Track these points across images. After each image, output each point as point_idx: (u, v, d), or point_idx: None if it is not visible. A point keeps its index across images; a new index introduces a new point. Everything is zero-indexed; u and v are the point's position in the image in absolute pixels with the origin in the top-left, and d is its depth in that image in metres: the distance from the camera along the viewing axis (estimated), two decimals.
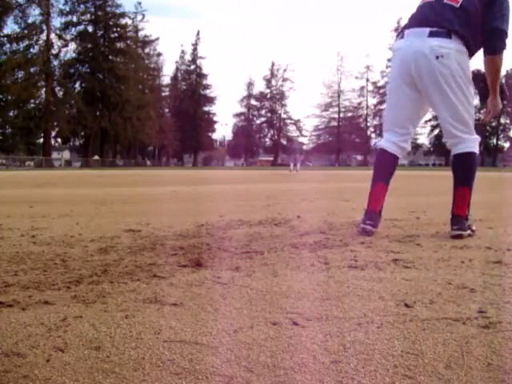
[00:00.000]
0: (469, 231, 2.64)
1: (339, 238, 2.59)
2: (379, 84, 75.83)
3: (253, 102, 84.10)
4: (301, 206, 4.89)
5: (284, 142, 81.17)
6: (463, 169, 2.68)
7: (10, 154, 43.94)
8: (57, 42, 51.17)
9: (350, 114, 79.50)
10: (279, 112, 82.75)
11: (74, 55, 53.38)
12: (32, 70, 46.35)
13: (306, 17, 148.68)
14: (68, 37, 52.66)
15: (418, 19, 2.66)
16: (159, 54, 69.65)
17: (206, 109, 78.53)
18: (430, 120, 75.32)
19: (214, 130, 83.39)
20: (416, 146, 77.71)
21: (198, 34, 77.86)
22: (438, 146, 75.56)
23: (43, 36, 48.39)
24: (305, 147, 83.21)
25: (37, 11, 49.25)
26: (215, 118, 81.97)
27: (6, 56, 44.12)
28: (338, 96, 78.05)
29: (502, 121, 74.14)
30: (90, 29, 54.84)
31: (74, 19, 53.50)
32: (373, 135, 77.68)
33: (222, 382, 0.91)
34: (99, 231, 2.90)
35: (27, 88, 43.32)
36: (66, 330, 1.17)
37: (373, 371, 0.95)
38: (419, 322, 1.22)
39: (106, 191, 8.01)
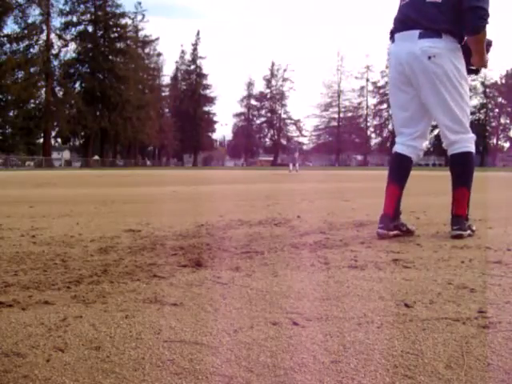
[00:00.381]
0: (469, 231, 2.63)
1: (339, 238, 2.59)
2: (379, 84, 75.91)
3: (253, 102, 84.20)
4: (301, 206, 4.89)
5: (284, 141, 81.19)
6: (461, 169, 2.66)
7: (10, 154, 43.93)
8: (57, 42, 51.20)
9: (350, 114, 79.56)
10: (279, 112, 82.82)
11: (74, 55, 53.40)
12: (32, 70, 46.34)
13: (306, 17, 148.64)
14: (68, 37, 52.68)
15: (405, 21, 2.62)
16: (159, 54, 69.68)
17: (206, 109, 78.55)
18: None
19: (214, 130, 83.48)
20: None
21: (198, 34, 77.90)
22: (438, 146, 75.52)
23: (43, 36, 48.41)
24: (305, 147, 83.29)
25: (37, 11, 49.22)
26: (215, 118, 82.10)
27: (5, 56, 44.10)
28: (338, 96, 78.09)
29: (502, 121, 74.15)
30: (90, 29, 54.84)
31: (74, 19, 53.51)
32: (373, 135, 77.72)
33: (221, 381, 0.91)
34: (99, 231, 2.90)
35: (27, 88, 43.30)
36: (66, 330, 1.17)
37: (373, 371, 0.95)
38: (419, 322, 1.22)
39: (105, 191, 8.01)
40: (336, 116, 78.64)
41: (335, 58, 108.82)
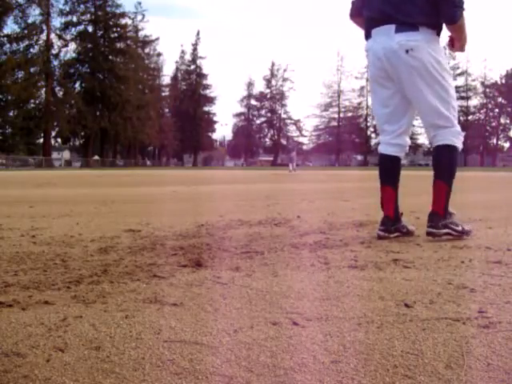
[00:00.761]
0: (446, 230, 2.48)
1: (339, 238, 2.59)
2: None
3: (253, 102, 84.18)
4: (301, 205, 4.89)
5: (284, 141, 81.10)
6: (441, 162, 2.56)
7: (10, 154, 43.93)
8: (57, 42, 51.22)
9: (349, 114, 79.48)
10: (279, 112, 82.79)
11: (74, 55, 53.41)
12: (32, 69, 46.35)
13: (306, 17, 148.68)
14: (68, 37, 52.70)
15: (380, 16, 2.54)
16: (159, 54, 69.70)
17: (206, 109, 78.55)
18: None
19: (214, 130, 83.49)
20: (416, 146, 77.73)
21: (198, 34, 77.91)
22: None
23: (43, 36, 48.43)
24: (305, 147, 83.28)
25: (37, 11, 49.25)
26: (215, 118, 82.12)
27: (5, 56, 44.11)
28: (338, 96, 78.05)
29: (502, 121, 74.16)
30: (90, 29, 54.85)
31: (74, 19, 53.53)
32: (373, 135, 77.64)
33: (221, 381, 0.91)
34: (99, 231, 2.90)
35: (27, 88, 43.30)
36: (66, 330, 1.17)
37: (373, 371, 0.95)
38: (419, 322, 1.22)
39: (105, 191, 8.01)
40: (336, 116, 78.62)
41: (335, 58, 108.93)
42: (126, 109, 54.34)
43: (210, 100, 79.16)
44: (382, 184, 2.69)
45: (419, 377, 0.92)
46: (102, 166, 50.57)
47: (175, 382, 0.91)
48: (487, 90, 73.16)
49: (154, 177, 17.32)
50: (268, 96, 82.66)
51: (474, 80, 73.55)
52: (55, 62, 50.73)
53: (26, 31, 46.14)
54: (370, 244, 2.41)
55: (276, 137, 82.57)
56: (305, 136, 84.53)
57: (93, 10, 54.43)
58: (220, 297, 1.46)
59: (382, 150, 2.71)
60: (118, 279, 1.67)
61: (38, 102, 48.50)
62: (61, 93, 50.88)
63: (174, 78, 77.72)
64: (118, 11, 56.18)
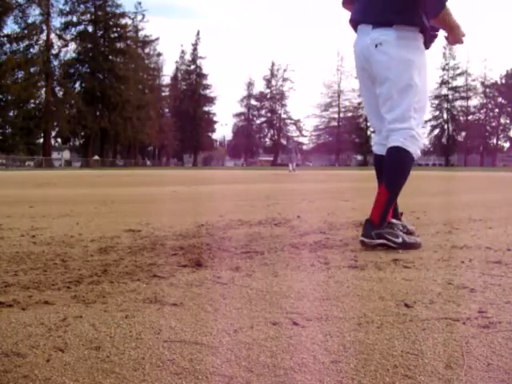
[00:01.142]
0: (380, 240, 2.26)
1: (339, 238, 2.59)
2: None
3: (253, 102, 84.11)
4: (301, 205, 4.89)
5: (284, 142, 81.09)
6: (385, 166, 2.36)
7: (10, 154, 43.94)
8: (57, 42, 51.22)
9: (349, 114, 79.41)
10: (279, 112, 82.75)
11: (74, 55, 53.42)
12: (32, 69, 46.37)
13: (306, 17, 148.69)
14: (68, 37, 52.71)
15: (361, 15, 2.50)
16: (159, 54, 69.68)
17: (206, 109, 78.53)
18: (429, 120, 75.34)
19: (214, 130, 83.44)
20: None
21: (198, 34, 77.84)
22: (438, 146, 75.61)
23: (43, 36, 48.44)
24: (305, 147, 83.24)
25: (37, 11, 49.27)
26: (215, 118, 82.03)
27: (5, 56, 44.12)
28: (338, 96, 78.01)
29: (502, 121, 74.16)
30: (90, 29, 54.86)
31: (74, 19, 53.53)
32: (373, 135, 77.53)
33: (221, 381, 0.91)
34: (99, 231, 2.90)
35: (27, 88, 43.32)
36: (66, 330, 1.17)
37: (373, 371, 0.95)
38: (419, 322, 1.22)
39: (105, 191, 8.01)
40: (336, 116, 78.57)
41: (335, 58, 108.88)
42: (126, 109, 54.34)
43: (210, 100, 79.16)
44: (378, 185, 2.64)
45: (419, 377, 0.92)
46: (102, 166, 50.57)
47: (175, 382, 0.91)
48: (487, 90, 73.13)
49: (153, 177, 17.32)
50: (268, 96, 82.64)
51: (474, 80, 73.56)
52: (55, 62, 50.77)
53: (26, 31, 46.16)
54: None
55: (276, 137, 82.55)
56: (305, 136, 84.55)
57: (93, 10, 54.44)
58: (220, 297, 1.46)
59: (375, 150, 2.63)
60: (118, 279, 1.67)
61: (38, 102, 48.52)
62: (61, 93, 50.90)
63: (174, 78, 77.70)
64: (118, 11, 56.22)
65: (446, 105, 74.69)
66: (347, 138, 77.84)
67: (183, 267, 1.87)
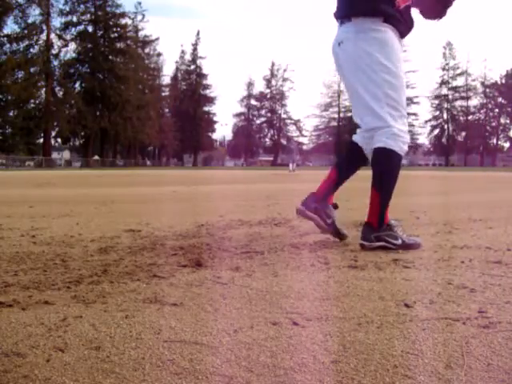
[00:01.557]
0: (380, 243, 2.25)
1: None
2: None
3: (253, 102, 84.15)
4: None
5: (284, 141, 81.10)
6: (373, 168, 2.30)
7: (10, 154, 43.94)
8: (57, 42, 51.26)
9: (349, 114, 79.13)
10: (279, 112, 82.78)
11: (74, 55, 53.47)
12: (32, 70, 46.39)
13: (306, 17, 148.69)
14: (68, 37, 52.76)
15: (334, 12, 2.44)
16: (159, 54, 69.74)
17: (206, 109, 78.55)
18: (429, 120, 75.37)
19: (214, 130, 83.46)
20: (416, 146, 77.71)
21: (198, 34, 77.92)
22: (438, 146, 75.62)
23: (43, 36, 48.48)
24: (305, 147, 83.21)
25: (37, 11, 49.32)
26: (215, 118, 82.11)
27: (6, 56, 44.13)
28: (338, 96, 77.97)
29: (502, 121, 74.18)
30: (90, 29, 54.90)
31: (74, 19, 53.58)
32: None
33: (221, 381, 0.91)
34: (99, 231, 2.90)
35: (27, 88, 43.34)
36: (66, 330, 1.17)
37: (373, 371, 0.95)
38: (419, 322, 1.22)
39: (105, 191, 8.01)
40: (336, 116, 78.59)
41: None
42: (126, 109, 54.36)
43: (210, 100, 79.18)
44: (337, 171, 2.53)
45: (419, 377, 0.92)
46: (102, 166, 50.57)
47: (175, 382, 0.91)
48: (487, 90, 73.15)
49: (153, 177, 17.32)
50: (268, 96, 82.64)
51: (474, 80, 73.59)
52: (55, 62, 50.80)
53: (26, 31, 46.18)
54: None
55: (276, 137, 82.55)
56: (305, 136, 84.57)
57: (93, 10, 54.46)
58: (220, 297, 1.46)
59: (353, 136, 2.55)
60: (118, 279, 1.67)
61: (38, 102, 48.54)
62: (61, 93, 50.92)
63: (174, 78, 77.72)
64: (118, 11, 56.27)
65: (446, 105, 74.72)
66: (347, 138, 77.70)
67: (183, 267, 1.87)
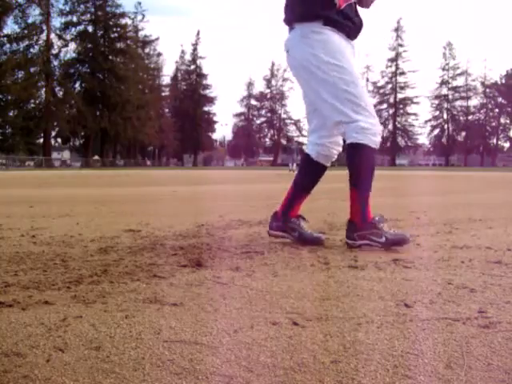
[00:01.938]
0: (363, 241, 2.25)
1: (339, 238, 2.59)
2: (379, 84, 75.85)
3: (253, 102, 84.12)
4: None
5: (284, 141, 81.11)
6: (347, 165, 2.30)
7: (10, 154, 43.95)
8: (57, 42, 51.33)
9: None
10: (279, 112, 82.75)
11: (74, 55, 53.55)
12: (32, 70, 46.44)
13: None
14: (68, 37, 52.83)
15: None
16: (159, 54, 69.84)
17: (206, 109, 78.56)
18: (430, 120, 75.37)
19: (213, 130, 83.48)
20: (416, 146, 77.72)
21: (198, 34, 77.91)
22: (438, 146, 75.61)
23: (43, 36, 48.54)
24: (305, 147, 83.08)
25: (37, 11, 49.35)
26: (215, 118, 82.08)
27: (6, 56, 44.16)
28: None
29: (502, 121, 74.17)
30: (90, 29, 54.95)
31: (74, 19, 53.65)
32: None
33: (221, 382, 0.91)
34: (99, 231, 2.90)
35: (27, 88, 43.36)
36: (66, 330, 1.17)
37: (373, 371, 0.95)
38: (419, 322, 1.22)
39: (105, 191, 8.01)
40: None
41: None
42: (126, 109, 54.37)
43: (210, 100, 79.18)
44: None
45: (419, 377, 0.92)
46: (102, 166, 50.58)
47: (175, 382, 0.91)
48: (487, 90, 73.15)
49: (153, 177, 17.31)
50: (268, 96, 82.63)
51: (474, 80, 73.60)
52: (55, 62, 50.88)
53: (26, 31, 46.21)
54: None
55: (276, 137, 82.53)
56: (305, 136, 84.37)
57: (93, 10, 54.51)
58: (220, 297, 1.46)
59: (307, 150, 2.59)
60: (118, 279, 1.67)
61: (38, 102, 48.57)
62: (61, 93, 50.96)
63: (174, 77, 77.72)
64: (118, 11, 56.34)
65: (446, 105, 74.74)
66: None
67: (183, 267, 1.87)
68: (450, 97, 74.40)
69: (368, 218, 2.26)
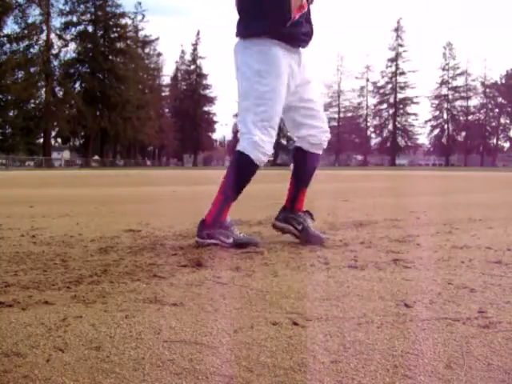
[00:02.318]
0: (212, 240, 2.33)
1: (339, 238, 2.59)
2: (379, 84, 75.82)
3: None
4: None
5: (284, 142, 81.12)
6: (227, 168, 2.45)
7: (10, 154, 43.96)
8: (57, 42, 51.32)
9: (349, 114, 79.37)
10: None
11: (74, 55, 53.52)
12: (32, 69, 46.44)
13: None
14: (68, 37, 52.81)
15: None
16: (159, 54, 69.76)
17: (205, 109, 78.49)
18: (430, 120, 75.39)
19: (213, 130, 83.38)
20: (416, 146, 77.73)
21: (198, 33, 77.86)
22: (438, 146, 75.60)
23: (43, 36, 48.53)
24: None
25: (37, 11, 49.40)
26: (215, 118, 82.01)
27: (6, 56, 44.17)
28: (338, 96, 77.96)
29: (502, 121, 74.18)
30: (90, 29, 54.91)
31: (74, 19, 53.61)
32: (373, 135, 77.67)
33: (221, 382, 0.91)
34: (99, 231, 2.90)
35: (27, 88, 43.37)
36: (66, 330, 1.17)
37: (373, 371, 0.95)
38: (419, 322, 1.22)
39: (105, 191, 8.01)
40: (336, 116, 78.51)
41: (335, 58, 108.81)
42: (126, 109, 54.34)
43: (210, 100, 79.13)
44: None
45: (419, 377, 0.92)
46: (102, 166, 50.58)
47: (175, 382, 0.91)
48: (487, 90, 73.13)
49: (153, 177, 17.32)
50: None
51: (474, 80, 73.55)
52: (55, 62, 50.86)
53: (26, 31, 46.21)
54: (369, 244, 2.41)
55: (276, 137, 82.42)
56: None
57: (93, 10, 54.48)
58: (220, 297, 1.46)
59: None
60: (117, 279, 1.67)
61: (38, 101, 48.57)
62: (61, 93, 50.95)
63: (174, 77, 77.68)
64: (118, 11, 56.28)
65: (446, 105, 74.72)
66: (347, 138, 77.84)
67: (183, 267, 1.87)
68: (450, 97, 74.39)
69: (220, 219, 2.35)
